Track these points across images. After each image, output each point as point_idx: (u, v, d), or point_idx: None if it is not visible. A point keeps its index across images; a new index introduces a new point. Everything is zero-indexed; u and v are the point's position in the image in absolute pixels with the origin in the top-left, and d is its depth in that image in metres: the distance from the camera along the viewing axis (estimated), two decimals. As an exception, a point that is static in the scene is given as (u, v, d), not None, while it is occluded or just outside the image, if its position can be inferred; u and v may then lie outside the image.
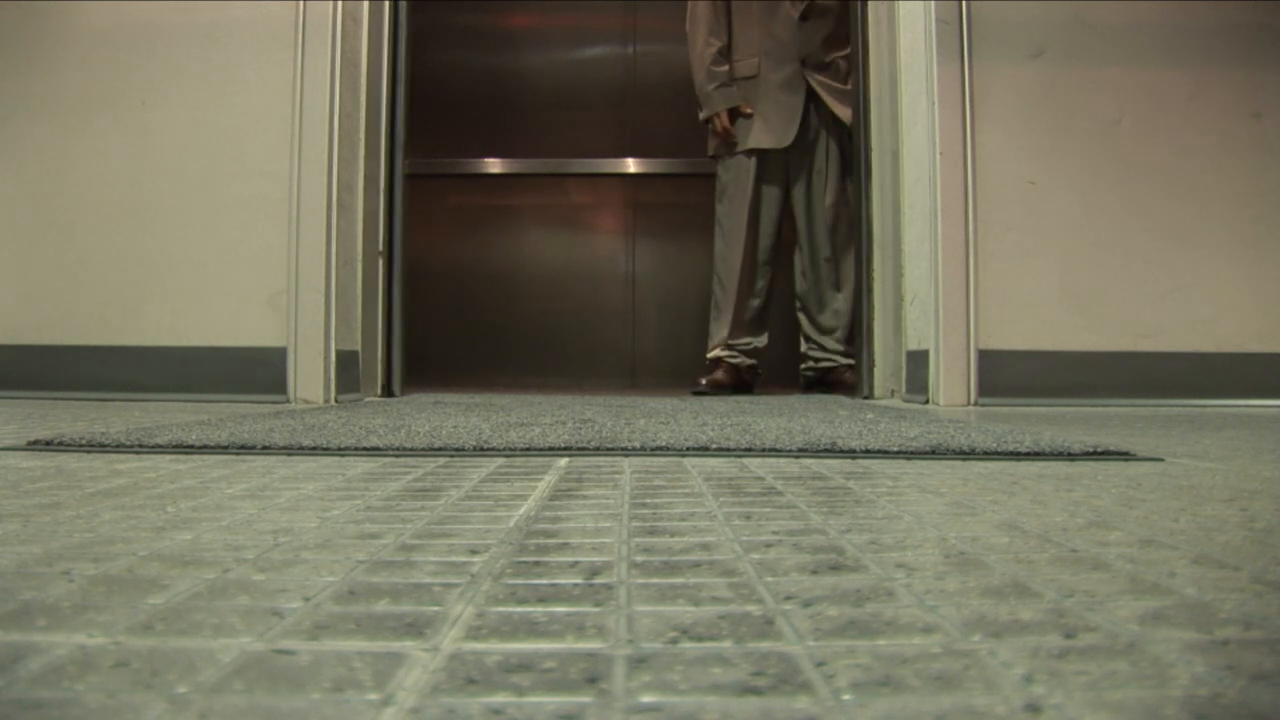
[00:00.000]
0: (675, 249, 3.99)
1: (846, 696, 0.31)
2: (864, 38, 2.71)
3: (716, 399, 2.61)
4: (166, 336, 2.32)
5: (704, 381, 2.99)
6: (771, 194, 3.05)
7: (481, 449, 1.10)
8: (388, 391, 2.59)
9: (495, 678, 0.33)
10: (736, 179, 3.04)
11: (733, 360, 3.00)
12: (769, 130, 2.99)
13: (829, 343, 3.06)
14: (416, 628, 0.39)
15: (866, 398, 2.64)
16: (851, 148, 2.91)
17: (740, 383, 3.01)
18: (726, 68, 3.00)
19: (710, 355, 3.05)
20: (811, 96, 3.00)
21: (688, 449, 1.11)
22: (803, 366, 3.17)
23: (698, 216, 3.75)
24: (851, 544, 0.57)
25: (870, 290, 2.67)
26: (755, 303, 3.06)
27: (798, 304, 3.16)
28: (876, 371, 2.65)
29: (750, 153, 3.02)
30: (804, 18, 2.99)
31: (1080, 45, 2.37)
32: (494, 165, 3.94)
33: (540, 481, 0.86)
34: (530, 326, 3.91)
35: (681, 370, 3.82)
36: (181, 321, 2.32)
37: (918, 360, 2.41)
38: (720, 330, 3.03)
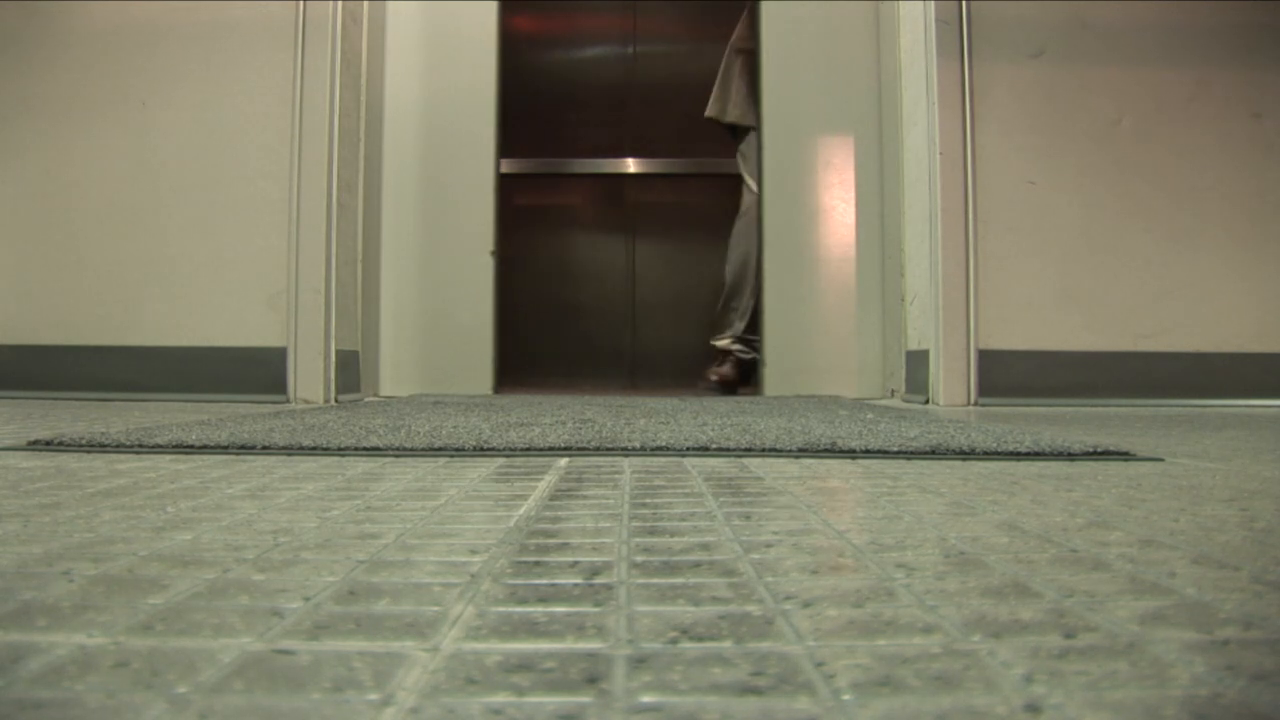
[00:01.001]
0: (675, 249, 3.99)
1: (846, 696, 0.31)
2: (758, 35, 2.74)
3: (717, 399, 2.61)
4: (166, 336, 2.32)
5: (714, 379, 2.96)
6: None
7: (481, 449, 1.10)
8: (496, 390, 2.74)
9: (495, 678, 0.33)
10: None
11: (744, 356, 2.97)
12: None
13: None
14: (416, 628, 0.39)
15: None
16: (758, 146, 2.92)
17: (745, 378, 3.00)
18: None
19: (719, 344, 3.01)
20: None
21: (688, 449, 1.10)
22: None
23: (698, 216, 3.76)
24: (851, 544, 0.57)
25: (761, 289, 2.73)
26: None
27: None
28: (767, 370, 2.72)
29: None
30: None
31: (1080, 45, 2.37)
32: (494, 165, 3.94)
33: (540, 481, 0.86)
34: (529, 326, 3.91)
35: (681, 370, 3.82)
36: (181, 321, 2.32)
37: (918, 360, 2.41)
38: (736, 321, 2.97)
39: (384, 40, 2.62)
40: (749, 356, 2.99)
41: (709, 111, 3.01)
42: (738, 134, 3.01)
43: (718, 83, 3.01)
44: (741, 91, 2.94)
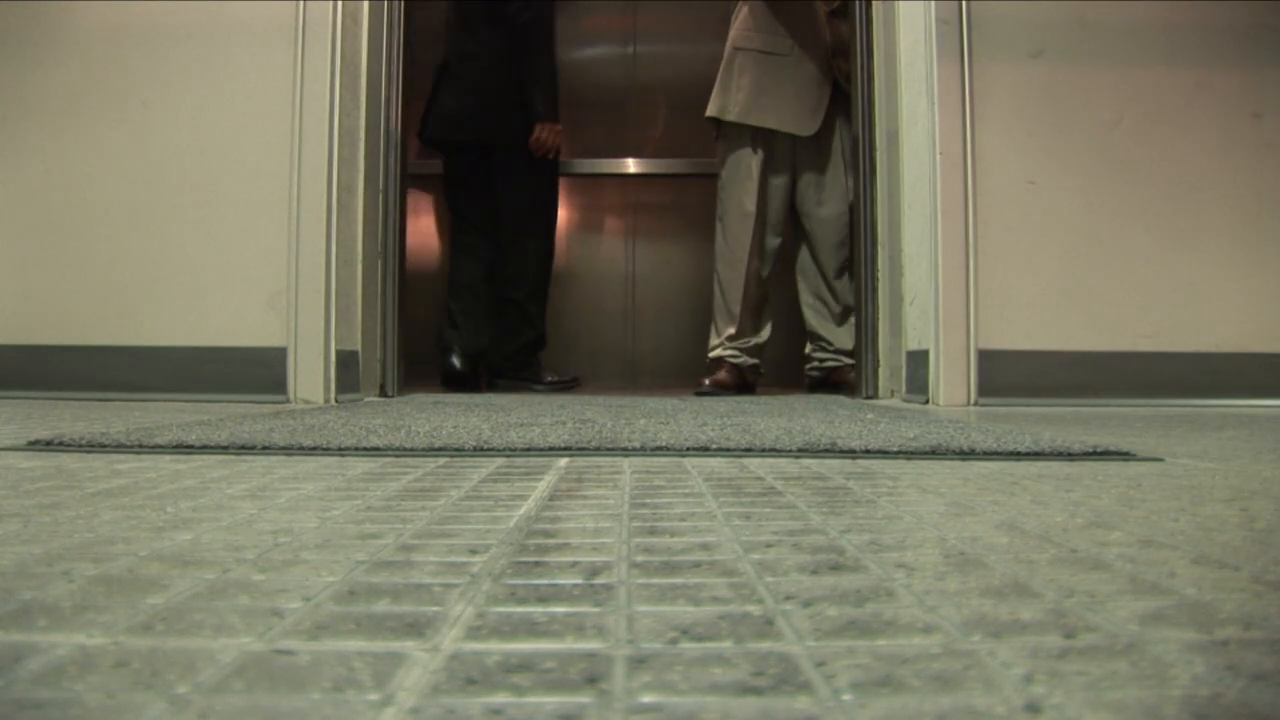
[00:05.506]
0: (675, 249, 3.99)
1: (846, 696, 0.31)
2: (868, 37, 2.68)
3: (717, 399, 2.61)
4: (166, 336, 2.32)
5: (707, 382, 2.94)
6: (779, 183, 2.96)
7: (481, 449, 1.10)
8: (383, 392, 2.59)
9: (495, 678, 0.33)
10: (741, 161, 2.90)
11: (735, 360, 2.95)
12: (792, 113, 2.88)
13: (836, 342, 3.02)
14: (416, 628, 0.39)
15: (869, 398, 2.62)
16: (855, 147, 2.85)
17: (743, 383, 2.97)
18: None
19: (712, 355, 3.00)
20: (836, 91, 2.94)
21: (688, 449, 1.10)
22: (808, 366, 3.15)
23: (698, 216, 3.75)
24: (851, 544, 0.57)
25: (875, 290, 2.65)
26: (757, 299, 2.98)
27: (807, 301, 3.09)
28: (882, 371, 2.63)
29: (757, 133, 2.91)
30: (834, 13, 2.95)
31: (1080, 45, 2.37)
32: (494, 165, 3.93)
33: (540, 481, 0.86)
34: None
35: (681, 370, 3.82)
36: (181, 321, 2.32)
37: (918, 360, 2.41)
38: (724, 327, 2.97)
39: (382, 40, 2.61)
40: (740, 361, 2.95)
41: (710, 110, 2.98)
42: (723, 134, 2.98)
43: (718, 81, 2.98)
44: (744, 90, 2.91)
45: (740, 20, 2.98)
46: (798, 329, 3.18)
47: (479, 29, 3.19)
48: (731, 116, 2.90)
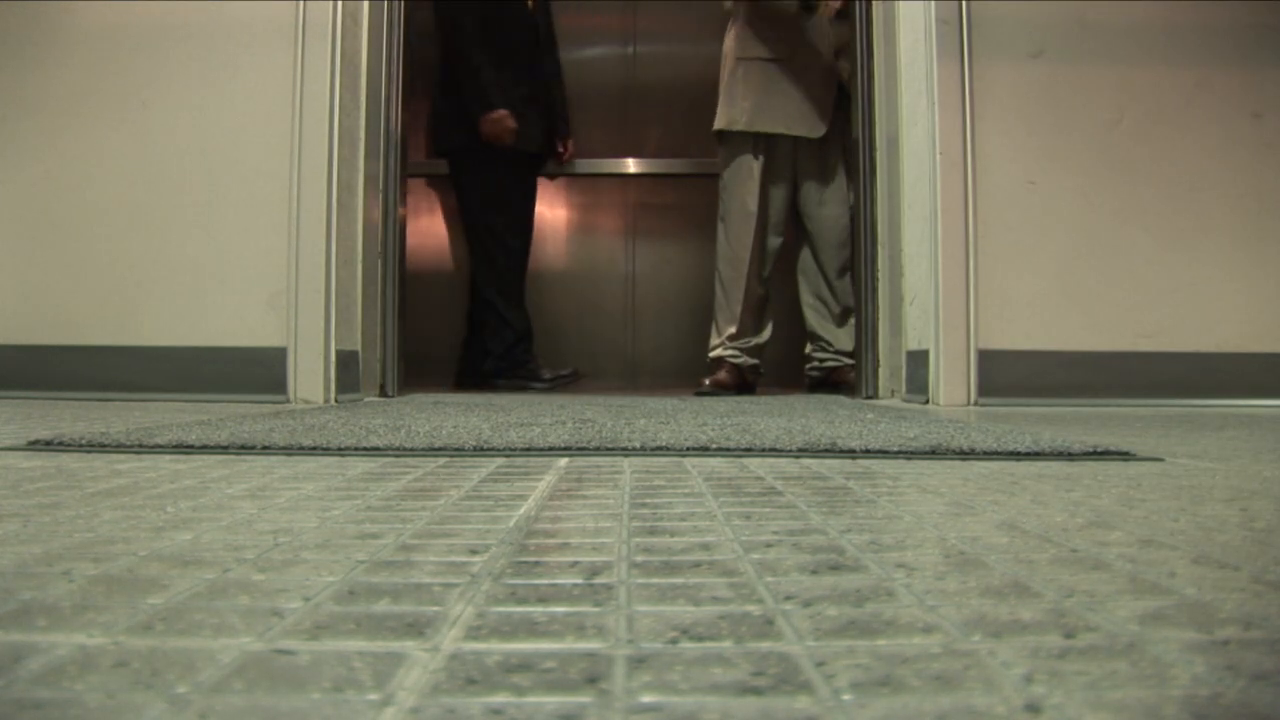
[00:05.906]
0: (675, 249, 3.99)
1: (846, 696, 0.31)
2: (868, 37, 2.68)
3: (717, 399, 2.61)
4: (166, 336, 2.32)
5: (706, 382, 2.94)
6: (781, 183, 2.96)
7: (481, 449, 1.10)
8: (383, 392, 2.59)
9: (495, 678, 0.33)
10: (744, 163, 2.91)
11: (735, 360, 2.95)
12: (799, 116, 2.88)
13: (837, 342, 3.02)
14: (416, 628, 0.39)
15: (869, 398, 2.62)
16: (855, 147, 2.85)
17: (743, 383, 2.97)
18: None
19: (712, 355, 3.00)
20: (840, 91, 2.94)
21: (688, 449, 1.10)
22: (808, 366, 3.15)
23: (698, 216, 3.75)
24: (851, 544, 0.57)
25: (875, 290, 2.64)
26: (758, 299, 2.98)
27: (808, 302, 3.09)
28: (882, 371, 2.62)
29: (759, 136, 2.91)
30: (838, 15, 2.95)
31: (1080, 45, 2.37)
32: (494, 165, 3.93)
33: (540, 481, 0.86)
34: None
35: (681, 370, 3.82)
36: (181, 321, 2.32)
37: (918, 360, 2.41)
38: (725, 327, 2.98)
39: (382, 39, 2.61)
40: (740, 361, 2.95)
41: (717, 124, 2.98)
42: (725, 138, 2.98)
43: (722, 93, 2.98)
44: (750, 98, 2.91)
45: (738, 29, 2.97)
46: (798, 329, 3.18)
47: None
48: (740, 127, 2.91)
